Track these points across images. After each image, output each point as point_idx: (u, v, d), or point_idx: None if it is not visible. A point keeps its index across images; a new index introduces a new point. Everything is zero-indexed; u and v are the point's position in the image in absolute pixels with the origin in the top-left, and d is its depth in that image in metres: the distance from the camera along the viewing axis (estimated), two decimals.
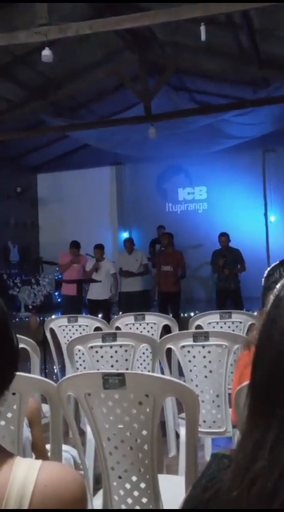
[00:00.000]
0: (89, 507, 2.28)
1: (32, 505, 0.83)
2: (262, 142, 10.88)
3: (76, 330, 4.57)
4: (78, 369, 3.74)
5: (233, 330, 4.11)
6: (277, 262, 1.77)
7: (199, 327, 4.24)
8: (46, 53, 5.82)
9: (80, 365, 3.83)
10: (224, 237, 9.32)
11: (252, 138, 10.03)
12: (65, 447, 2.48)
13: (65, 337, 4.60)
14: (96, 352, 3.42)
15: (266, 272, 1.79)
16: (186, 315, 9.13)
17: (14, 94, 9.27)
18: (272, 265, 1.79)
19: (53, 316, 5.58)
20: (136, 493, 2.10)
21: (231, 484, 0.68)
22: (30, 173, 13.22)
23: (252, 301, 8.22)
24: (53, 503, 0.84)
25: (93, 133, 9.89)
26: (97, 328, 4.50)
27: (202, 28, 5.56)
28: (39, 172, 13.37)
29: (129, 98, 9.68)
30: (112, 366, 3.37)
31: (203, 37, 5.55)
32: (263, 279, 1.78)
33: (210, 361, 3.20)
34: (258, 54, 8.22)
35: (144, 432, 2.05)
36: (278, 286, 0.72)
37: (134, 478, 2.09)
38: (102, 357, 3.42)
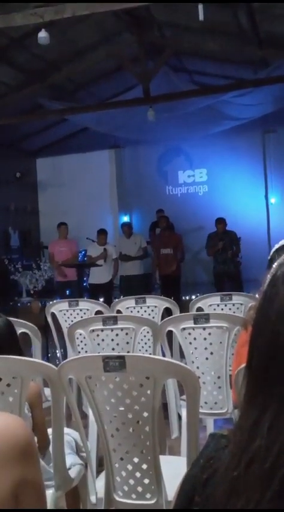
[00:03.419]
0: (91, 489, 2.29)
1: None
2: (262, 123, 10.80)
3: (78, 314, 4.58)
4: (79, 352, 3.75)
5: (234, 312, 4.11)
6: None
7: (199, 309, 4.23)
8: (42, 34, 5.76)
9: (82, 349, 3.84)
10: (221, 224, 9.21)
11: (252, 119, 9.95)
12: (66, 430, 2.50)
13: (66, 321, 4.60)
14: (97, 335, 3.43)
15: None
16: (187, 297, 9.14)
17: (11, 77, 9.18)
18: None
19: (54, 301, 5.58)
20: (138, 474, 2.11)
21: (229, 463, 0.68)
22: (29, 158, 13.14)
23: (253, 284, 8.21)
24: None
25: (92, 116, 9.81)
26: (98, 312, 4.50)
27: (200, 7, 5.48)
28: (38, 157, 13.30)
29: (128, 80, 9.58)
30: (113, 349, 3.37)
31: (201, 16, 5.47)
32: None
33: (210, 343, 3.20)
34: (258, 33, 8.13)
35: (145, 414, 2.06)
36: (275, 265, 0.71)
37: (136, 460, 2.10)
38: (103, 340, 3.42)
